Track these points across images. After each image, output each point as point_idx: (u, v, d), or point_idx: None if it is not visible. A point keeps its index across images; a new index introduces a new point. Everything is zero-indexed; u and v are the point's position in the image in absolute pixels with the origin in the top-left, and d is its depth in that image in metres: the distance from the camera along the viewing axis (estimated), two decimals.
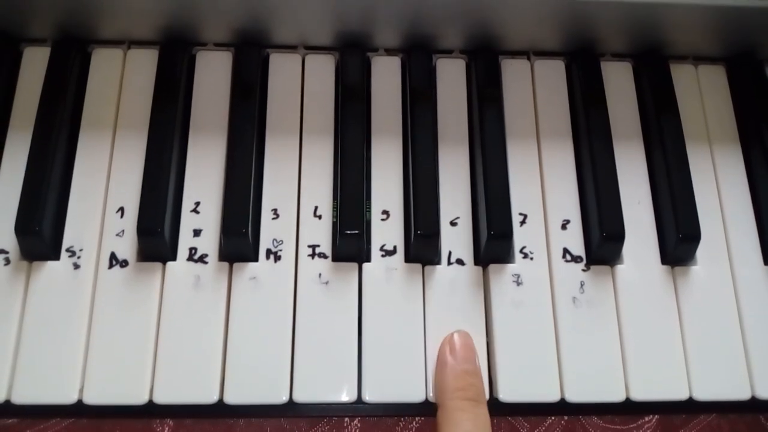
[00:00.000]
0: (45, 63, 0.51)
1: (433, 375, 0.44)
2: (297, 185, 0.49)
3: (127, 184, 0.48)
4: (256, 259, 0.47)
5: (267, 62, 0.53)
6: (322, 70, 0.53)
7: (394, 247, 0.48)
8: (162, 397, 0.44)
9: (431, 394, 0.44)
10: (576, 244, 0.49)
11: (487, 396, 0.45)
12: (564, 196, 0.50)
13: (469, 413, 0.42)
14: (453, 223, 0.49)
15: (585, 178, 0.50)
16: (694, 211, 0.48)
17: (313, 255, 0.47)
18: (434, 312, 0.46)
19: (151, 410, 0.44)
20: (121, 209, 0.47)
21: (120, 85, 0.51)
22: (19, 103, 0.50)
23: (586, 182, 0.50)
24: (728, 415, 0.47)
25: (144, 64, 0.52)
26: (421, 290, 0.47)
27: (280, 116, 0.51)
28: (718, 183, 0.51)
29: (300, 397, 0.44)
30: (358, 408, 0.45)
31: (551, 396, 0.45)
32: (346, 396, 0.44)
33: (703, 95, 0.54)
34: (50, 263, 0.46)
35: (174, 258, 0.46)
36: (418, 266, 0.47)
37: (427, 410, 0.45)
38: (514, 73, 0.54)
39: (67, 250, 0.46)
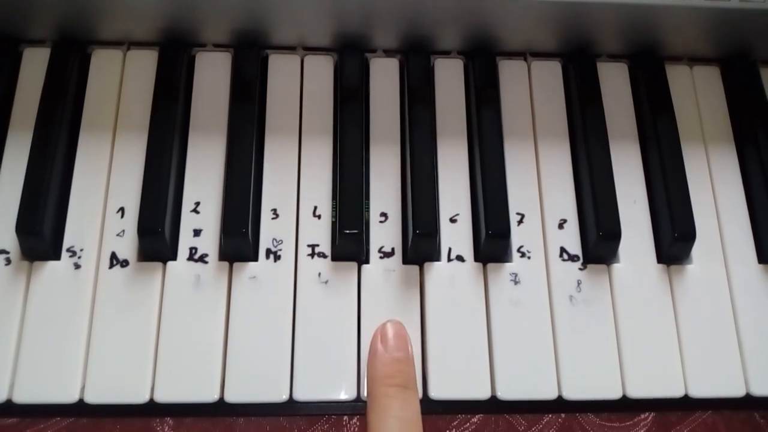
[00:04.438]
0: (45, 64, 0.51)
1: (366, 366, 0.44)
2: (296, 185, 0.49)
3: (127, 184, 0.48)
4: (255, 259, 0.47)
5: (266, 63, 0.53)
6: (321, 70, 0.53)
7: (393, 249, 0.48)
8: (163, 396, 0.44)
9: (430, 392, 0.45)
10: (573, 243, 0.49)
11: (487, 395, 0.45)
12: (561, 196, 0.50)
13: (398, 399, 0.41)
14: (453, 220, 0.49)
15: (581, 177, 0.50)
16: (689, 210, 0.48)
17: (312, 254, 0.47)
18: (434, 308, 0.46)
19: (152, 409, 0.44)
20: (122, 209, 0.48)
21: (120, 85, 0.51)
22: (19, 103, 0.50)
23: (583, 182, 0.50)
24: (723, 412, 0.47)
25: (144, 65, 0.52)
26: (419, 291, 0.47)
27: (280, 116, 0.51)
28: (713, 182, 0.52)
29: (300, 395, 0.44)
30: (358, 406, 0.45)
31: (548, 393, 0.45)
32: (346, 394, 0.44)
33: (697, 95, 0.55)
34: (51, 263, 0.46)
35: (174, 258, 0.47)
36: (416, 267, 0.47)
37: (426, 408, 0.45)
38: (511, 74, 0.54)
39: (68, 250, 0.46)
